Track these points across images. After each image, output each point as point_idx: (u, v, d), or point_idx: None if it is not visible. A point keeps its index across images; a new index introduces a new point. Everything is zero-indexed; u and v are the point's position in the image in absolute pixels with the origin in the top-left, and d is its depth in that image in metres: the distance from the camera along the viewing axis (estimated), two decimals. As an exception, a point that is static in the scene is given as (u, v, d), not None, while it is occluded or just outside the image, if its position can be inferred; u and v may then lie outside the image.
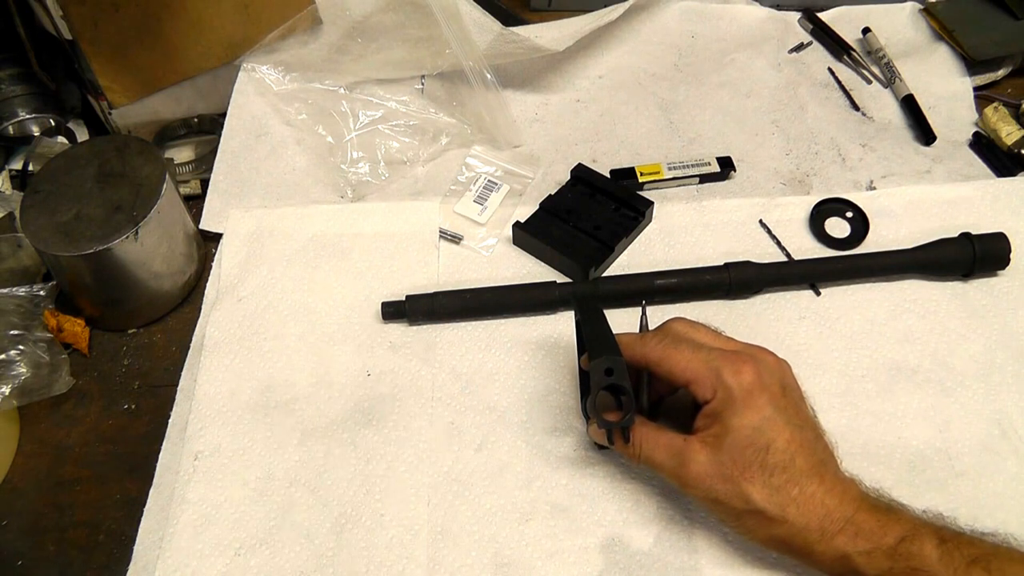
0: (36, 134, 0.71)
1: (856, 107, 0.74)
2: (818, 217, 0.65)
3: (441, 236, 0.65)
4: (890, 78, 0.75)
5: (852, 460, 0.48)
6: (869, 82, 0.76)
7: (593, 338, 0.49)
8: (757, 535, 0.44)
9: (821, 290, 0.61)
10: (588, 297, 0.54)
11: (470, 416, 0.55)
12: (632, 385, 0.47)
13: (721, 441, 0.44)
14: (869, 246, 0.63)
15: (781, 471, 0.43)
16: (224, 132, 0.72)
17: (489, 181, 0.69)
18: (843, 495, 0.43)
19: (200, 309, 0.62)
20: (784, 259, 0.63)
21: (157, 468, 0.54)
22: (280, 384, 0.57)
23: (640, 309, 0.53)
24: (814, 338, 0.58)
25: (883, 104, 0.74)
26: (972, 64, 0.75)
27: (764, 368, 0.45)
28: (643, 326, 0.52)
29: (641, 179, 0.68)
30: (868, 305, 0.60)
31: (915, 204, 0.65)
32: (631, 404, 0.46)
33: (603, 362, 0.46)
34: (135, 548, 0.51)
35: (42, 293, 0.60)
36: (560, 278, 0.62)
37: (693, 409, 0.47)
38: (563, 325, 0.59)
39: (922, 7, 0.80)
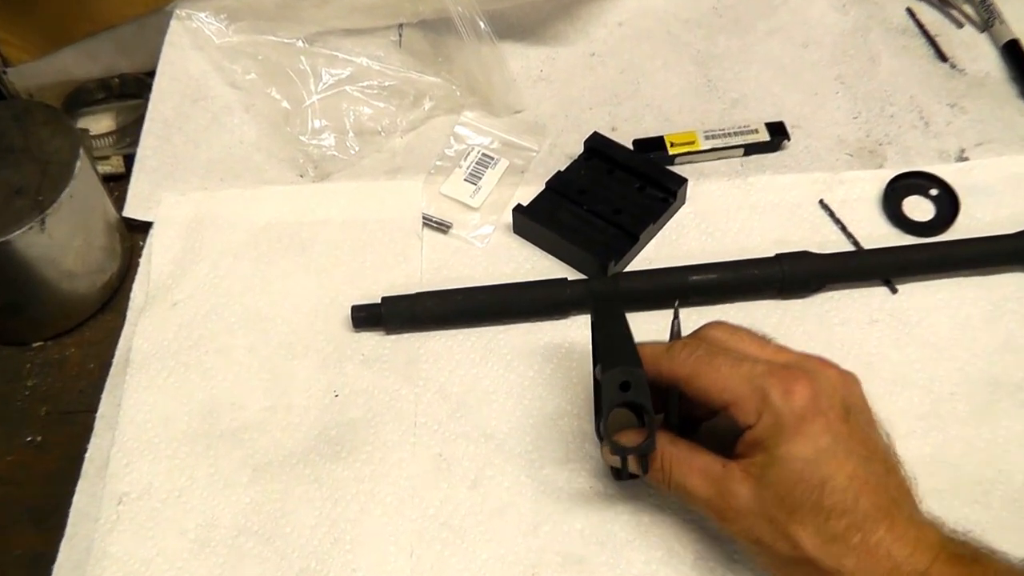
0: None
1: (943, 57, 0.75)
2: (894, 196, 0.66)
3: (424, 224, 0.66)
4: (987, 19, 0.76)
5: (938, 499, 0.48)
6: (960, 25, 0.77)
7: (607, 345, 0.50)
8: None
9: (898, 287, 0.62)
10: (606, 295, 0.55)
11: (462, 446, 0.56)
12: (659, 403, 0.47)
13: (766, 473, 0.44)
14: (959, 231, 0.64)
15: (840, 514, 0.43)
16: (153, 96, 0.72)
17: (483, 155, 0.70)
18: (917, 543, 0.43)
19: (125, 316, 0.63)
20: (851, 248, 0.64)
21: (70, 515, 0.54)
22: (226, 408, 0.58)
23: (672, 312, 0.54)
24: (889, 346, 0.59)
25: (978, 53, 0.75)
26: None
27: (822, 385, 0.45)
28: (675, 333, 0.53)
29: (672, 151, 0.69)
30: (958, 305, 0.61)
31: (1019, 179, 0.66)
32: (652, 426, 0.47)
33: (618, 374, 0.47)
34: (44, 616, 0.51)
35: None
36: (572, 274, 0.63)
37: (735, 435, 0.47)
38: (576, 332, 0.60)
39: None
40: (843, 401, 0.46)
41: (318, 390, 0.58)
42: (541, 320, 0.61)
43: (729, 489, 0.45)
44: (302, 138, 0.70)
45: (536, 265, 0.64)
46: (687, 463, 0.47)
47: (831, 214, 0.65)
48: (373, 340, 0.61)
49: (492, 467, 0.55)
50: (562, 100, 0.74)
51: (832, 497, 0.43)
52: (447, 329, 0.61)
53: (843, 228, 0.65)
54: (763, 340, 0.49)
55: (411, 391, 0.58)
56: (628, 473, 0.50)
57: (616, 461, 0.49)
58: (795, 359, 0.48)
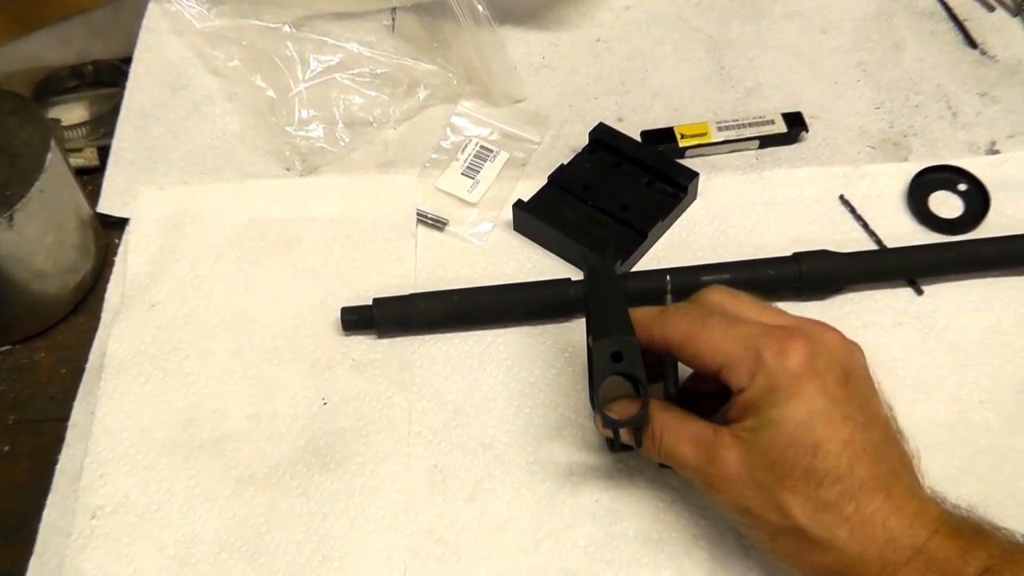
0: None
1: (972, 43, 0.75)
2: (919, 191, 0.66)
3: (419, 220, 0.66)
4: (1021, 2, 0.76)
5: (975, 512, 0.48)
6: (991, 8, 0.77)
7: (599, 312, 0.50)
8: (796, 562, 0.45)
9: (924, 288, 0.62)
10: (599, 263, 0.55)
11: (459, 457, 0.56)
12: (655, 371, 0.48)
13: (757, 437, 0.45)
14: (989, 229, 0.64)
15: (833, 481, 0.43)
16: (129, 84, 0.72)
17: (482, 147, 0.70)
18: (916, 516, 0.43)
19: (99, 319, 0.63)
20: (873, 247, 0.64)
21: (40, 530, 0.54)
22: (207, 417, 0.58)
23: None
24: (915, 351, 0.59)
25: (1011, 38, 0.75)
26: None
27: (820, 348, 0.46)
28: (669, 303, 0.53)
29: (682, 143, 0.69)
30: (988, 307, 0.61)
31: (1052, 173, 0.66)
32: (646, 398, 0.47)
33: (609, 344, 0.48)
34: (11, 639, 0.52)
35: None
36: (575, 274, 0.62)
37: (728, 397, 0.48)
38: (580, 335, 0.60)
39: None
40: (843, 365, 0.46)
41: (305, 397, 0.58)
42: (543, 323, 0.61)
43: (718, 455, 0.46)
44: (289, 129, 0.70)
45: (538, 264, 0.64)
46: (678, 430, 0.48)
47: (852, 210, 0.65)
48: (364, 344, 0.61)
49: (491, 479, 0.55)
50: (565, 89, 0.74)
51: (825, 462, 0.43)
52: (443, 332, 0.61)
53: (865, 225, 0.65)
54: (763, 304, 0.50)
55: (405, 398, 0.58)
56: (622, 444, 0.50)
57: (609, 433, 0.50)
58: (794, 322, 0.48)
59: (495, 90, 0.72)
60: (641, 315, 0.50)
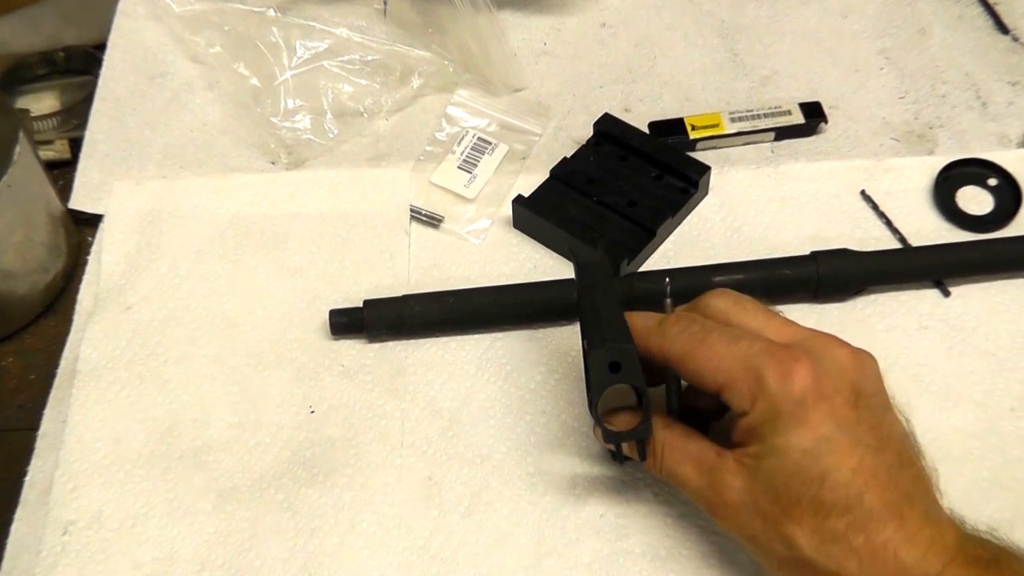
0: None
1: (1004, 29, 0.75)
2: (946, 186, 0.66)
3: (413, 217, 0.66)
4: (1053, -13, 0.76)
5: (998, 534, 0.48)
6: (1022, -9, 0.77)
7: (593, 316, 0.50)
8: None
9: (951, 289, 0.62)
10: (590, 258, 0.55)
11: (455, 468, 0.56)
12: (654, 378, 0.48)
13: (761, 465, 0.45)
14: (1021, 227, 0.64)
15: (841, 512, 0.43)
16: (103, 72, 0.73)
17: (479, 140, 0.70)
18: (931, 544, 0.42)
19: (71, 322, 0.63)
20: (897, 246, 0.64)
21: (7, 547, 0.54)
22: (187, 426, 0.58)
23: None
24: (941, 356, 0.59)
25: (1044, 24, 0.75)
26: None
27: (827, 367, 0.46)
28: (669, 309, 0.53)
29: (693, 135, 0.69)
30: (1020, 309, 0.61)
31: (1090, 167, 0.66)
32: (648, 410, 0.48)
33: (605, 354, 0.48)
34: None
35: None
36: (581, 274, 0.63)
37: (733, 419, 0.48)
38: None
39: None
40: (852, 384, 0.46)
41: (292, 405, 0.58)
42: (544, 326, 0.61)
43: (721, 480, 0.46)
44: (274, 120, 0.70)
45: (539, 264, 0.64)
46: (680, 449, 0.48)
47: (874, 207, 0.66)
48: (354, 349, 0.61)
49: (489, 492, 0.55)
50: (569, 77, 0.74)
51: (833, 492, 0.43)
52: (438, 336, 0.61)
53: (888, 223, 0.65)
54: (769, 313, 0.49)
55: (397, 406, 0.58)
56: (624, 456, 0.50)
57: (611, 446, 0.50)
58: (800, 337, 0.48)
59: (494, 78, 0.72)
60: (639, 324, 0.50)
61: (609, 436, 0.48)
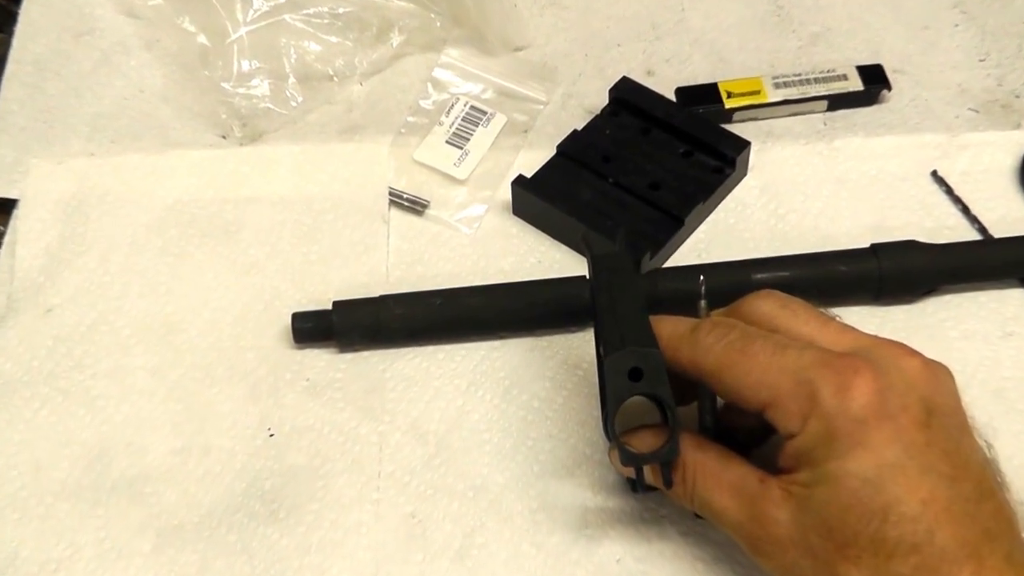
0: None
1: (1099, -22, 0.75)
2: (1034, 165, 0.66)
3: (392, 202, 0.66)
4: None
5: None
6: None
7: (611, 315, 0.50)
8: None
9: (1039, 288, 0.62)
10: (607, 248, 0.55)
11: (443, 503, 0.56)
12: (684, 392, 0.48)
13: (812, 495, 0.45)
14: (1122, 213, 0.64)
15: (908, 551, 0.43)
16: (18, 30, 0.73)
17: (472, 109, 0.70)
18: None
19: (-19, 327, 0.63)
20: (976, 237, 0.64)
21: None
22: (121, 452, 0.58)
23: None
24: (1028, 368, 0.59)
25: None
26: None
27: (894, 380, 0.45)
28: (703, 313, 0.53)
29: (729, 103, 0.69)
30: (1122, 313, 0.61)
31: None
32: (676, 426, 0.48)
33: (625, 359, 0.48)
34: None
35: None
36: (594, 270, 0.63)
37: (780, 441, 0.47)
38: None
39: None
40: (923, 401, 0.46)
41: (247, 427, 0.58)
42: (551, 332, 0.61)
43: (765, 513, 0.46)
44: (225, 85, 0.70)
45: (544, 258, 0.64)
46: (716, 475, 0.48)
47: (948, 190, 0.66)
48: (322, 360, 0.61)
49: (484, 532, 0.55)
50: (580, 33, 0.74)
51: (898, 528, 0.43)
52: (422, 345, 0.61)
53: (965, 209, 0.65)
54: (823, 318, 0.49)
55: (373, 429, 0.58)
56: (645, 484, 0.50)
57: (629, 471, 0.50)
58: (861, 344, 0.48)
59: (489, 34, 0.72)
60: (667, 330, 0.50)
61: (628, 458, 0.48)
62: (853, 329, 0.49)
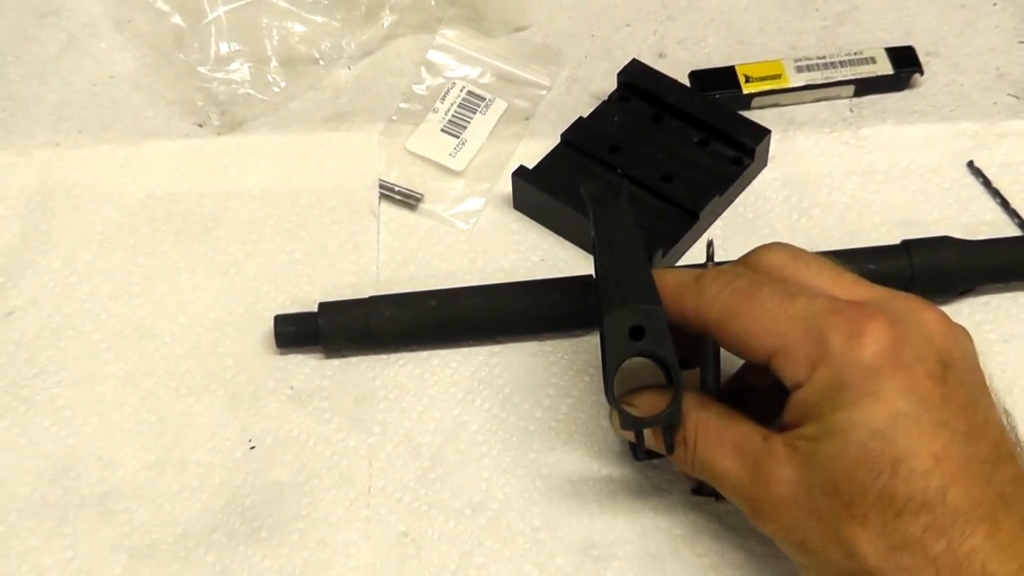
0: None
1: None
2: (1079, 155, 0.66)
3: (383, 195, 0.67)
4: None
5: None
6: None
7: (612, 273, 0.50)
8: None
9: (1085, 288, 0.62)
10: (608, 197, 0.55)
11: (438, 521, 0.56)
12: (690, 352, 0.48)
13: (818, 449, 0.45)
14: None
15: (917, 509, 0.43)
16: (-23, 8, 0.73)
17: (470, 94, 0.70)
18: None
19: (-63, 331, 0.63)
20: (1016, 233, 0.64)
21: None
22: (89, 466, 0.58)
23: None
24: (1073, 374, 0.59)
25: None
26: None
27: (910, 331, 0.46)
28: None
29: (748, 88, 0.69)
30: None
31: None
32: (679, 387, 0.48)
33: (626, 316, 0.48)
34: None
35: None
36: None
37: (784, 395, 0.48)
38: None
39: None
40: (940, 355, 0.46)
41: (226, 440, 0.59)
42: (555, 336, 0.62)
43: (767, 470, 0.46)
44: (202, 70, 0.70)
45: (546, 255, 0.65)
46: (718, 434, 0.49)
47: (986, 182, 0.66)
48: (307, 366, 0.61)
49: (482, 552, 0.55)
50: (586, 12, 0.74)
51: (908, 484, 0.43)
52: (416, 350, 0.61)
53: (1004, 203, 0.65)
54: (838, 269, 0.50)
55: (363, 441, 0.58)
56: (647, 451, 0.51)
57: (629, 434, 0.50)
58: (878, 295, 0.48)
59: (488, 14, 0.72)
60: (671, 281, 0.50)
61: (628, 422, 0.49)
62: (868, 282, 0.49)
